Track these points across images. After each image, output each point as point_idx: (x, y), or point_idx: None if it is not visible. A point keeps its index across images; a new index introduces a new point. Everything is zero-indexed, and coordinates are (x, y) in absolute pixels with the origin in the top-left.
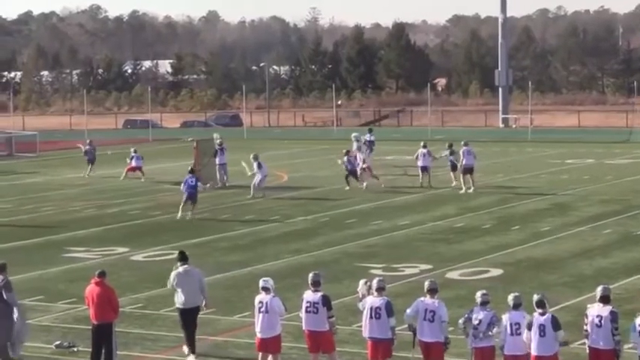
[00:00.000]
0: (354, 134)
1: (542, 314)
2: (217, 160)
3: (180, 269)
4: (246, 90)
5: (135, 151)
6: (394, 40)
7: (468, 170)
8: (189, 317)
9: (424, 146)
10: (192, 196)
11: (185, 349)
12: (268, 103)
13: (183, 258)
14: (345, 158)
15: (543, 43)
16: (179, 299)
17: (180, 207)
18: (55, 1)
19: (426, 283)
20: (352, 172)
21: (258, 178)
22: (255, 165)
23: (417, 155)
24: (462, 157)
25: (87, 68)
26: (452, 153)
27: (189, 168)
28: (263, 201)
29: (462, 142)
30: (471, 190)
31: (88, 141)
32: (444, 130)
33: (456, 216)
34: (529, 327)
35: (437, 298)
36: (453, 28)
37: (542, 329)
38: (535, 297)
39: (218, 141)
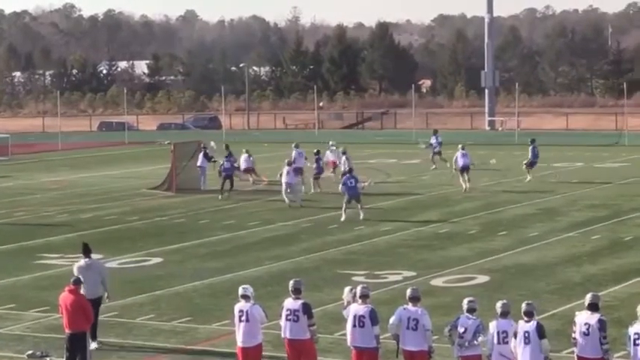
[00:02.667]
0: (330, 142)
1: (528, 321)
2: (198, 162)
3: (82, 262)
4: (226, 91)
5: (246, 151)
6: (378, 40)
7: (465, 169)
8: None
9: (462, 148)
10: (354, 196)
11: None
12: (248, 105)
13: (86, 251)
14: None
15: (531, 43)
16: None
17: (344, 209)
18: None
19: (408, 292)
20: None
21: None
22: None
23: (456, 158)
24: (458, 159)
25: (60, 69)
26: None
27: (348, 168)
28: (243, 206)
29: (460, 146)
30: (466, 186)
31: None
32: (429, 132)
33: (441, 221)
34: (515, 335)
35: (419, 306)
36: (438, 28)
37: (526, 336)
38: (524, 307)
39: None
